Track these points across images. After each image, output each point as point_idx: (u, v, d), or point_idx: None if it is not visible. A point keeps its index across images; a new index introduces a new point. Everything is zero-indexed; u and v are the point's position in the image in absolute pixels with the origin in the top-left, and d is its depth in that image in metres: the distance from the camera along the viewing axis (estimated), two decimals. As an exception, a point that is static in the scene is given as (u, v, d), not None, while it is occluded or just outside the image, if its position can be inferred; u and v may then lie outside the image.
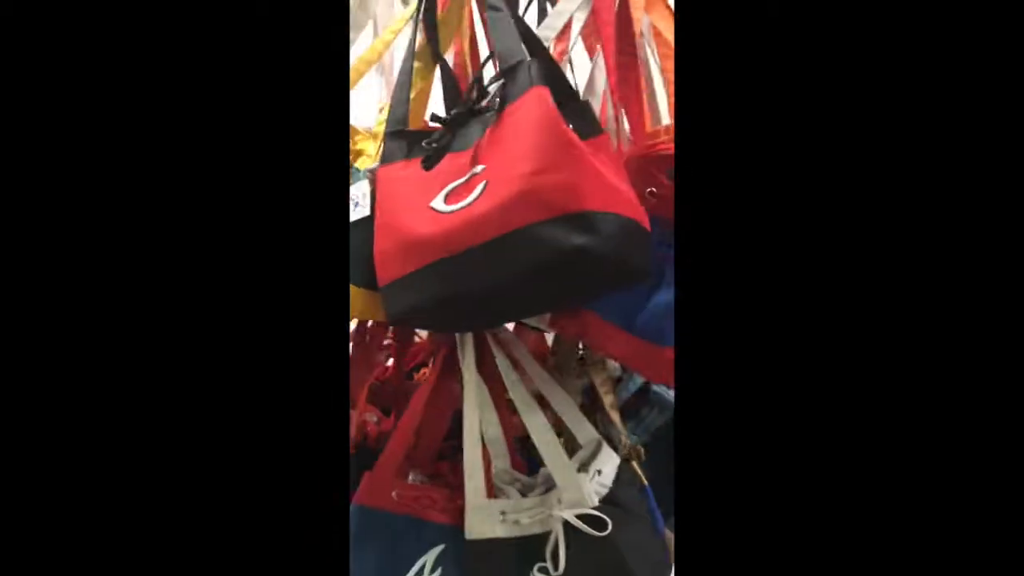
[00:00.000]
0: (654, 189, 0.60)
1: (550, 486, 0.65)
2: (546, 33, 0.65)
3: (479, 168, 0.50)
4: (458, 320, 0.59)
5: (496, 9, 0.56)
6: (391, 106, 0.60)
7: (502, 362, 0.68)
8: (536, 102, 0.49)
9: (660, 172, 0.60)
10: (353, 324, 0.84)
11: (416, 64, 0.62)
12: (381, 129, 0.60)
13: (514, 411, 0.69)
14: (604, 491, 0.66)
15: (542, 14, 0.76)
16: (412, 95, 0.60)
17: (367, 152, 0.62)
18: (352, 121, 0.66)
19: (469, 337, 0.68)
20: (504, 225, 0.47)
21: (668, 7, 0.71)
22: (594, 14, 0.65)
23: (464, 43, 0.67)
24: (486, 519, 0.63)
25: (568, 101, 0.58)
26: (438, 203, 0.51)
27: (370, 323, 0.81)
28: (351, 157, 0.63)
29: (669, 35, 0.68)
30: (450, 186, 0.51)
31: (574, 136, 0.50)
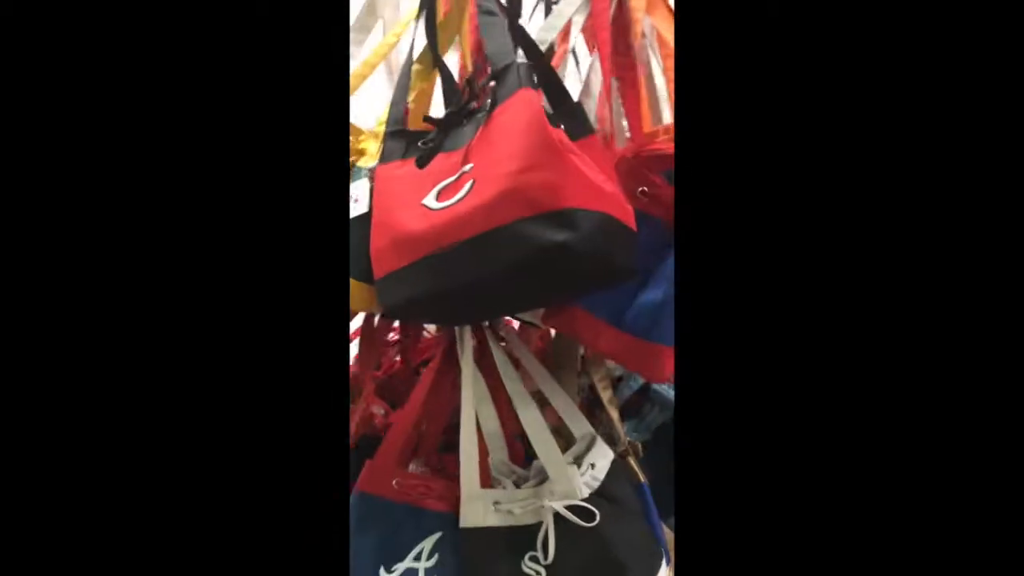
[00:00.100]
0: (645, 188, 0.61)
1: (543, 478, 0.66)
2: (545, 35, 0.66)
3: (468, 167, 0.52)
4: (450, 313, 0.60)
5: (491, 13, 0.57)
6: (390, 107, 0.62)
7: (499, 357, 0.69)
8: (523, 104, 0.50)
9: (652, 172, 0.61)
10: (361, 318, 0.87)
11: (417, 66, 0.64)
12: (381, 129, 0.62)
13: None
14: (596, 484, 0.67)
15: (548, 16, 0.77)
16: (412, 96, 0.62)
17: (369, 151, 0.64)
18: (358, 121, 0.68)
19: (467, 331, 0.70)
20: (489, 221, 0.48)
21: (669, 9, 0.72)
22: (592, 16, 0.66)
23: (466, 46, 0.69)
24: (480, 508, 0.65)
25: (561, 102, 0.59)
26: (430, 200, 0.53)
27: (377, 317, 0.84)
28: (355, 156, 0.65)
29: (670, 36, 0.69)
30: (441, 184, 0.53)
31: (561, 136, 0.52)
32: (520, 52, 0.61)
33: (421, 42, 0.67)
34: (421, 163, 0.56)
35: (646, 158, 0.61)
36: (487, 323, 0.72)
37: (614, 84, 0.69)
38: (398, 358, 0.96)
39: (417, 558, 0.67)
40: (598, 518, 0.62)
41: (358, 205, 0.59)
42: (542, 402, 0.75)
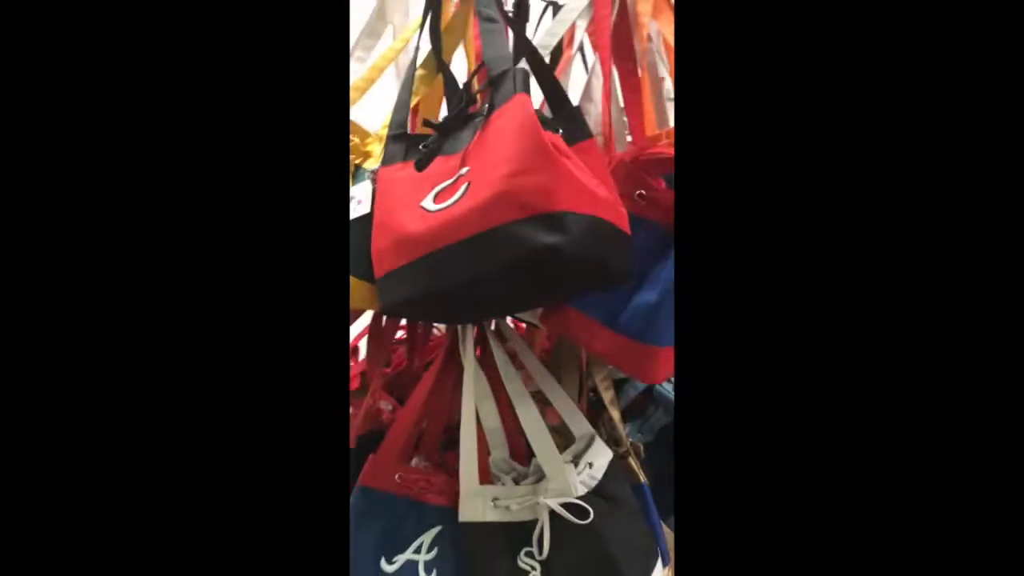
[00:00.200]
0: (643, 192, 0.61)
1: (542, 476, 0.68)
2: (547, 40, 0.67)
3: (464, 170, 0.53)
4: (447, 312, 0.62)
5: (490, 20, 0.59)
6: (393, 111, 0.64)
7: (499, 355, 0.71)
8: (517, 109, 0.52)
9: (650, 175, 0.62)
10: (370, 316, 0.89)
11: (421, 71, 0.66)
12: (385, 132, 0.64)
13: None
14: (593, 483, 0.68)
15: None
16: (415, 101, 0.64)
17: (375, 154, 0.66)
18: (366, 124, 0.70)
19: (470, 329, 0.72)
20: (483, 223, 0.49)
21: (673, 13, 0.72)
22: (594, 22, 0.67)
23: (471, 52, 0.71)
24: (479, 504, 0.67)
25: (560, 107, 0.60)
26: (428, 202, 0.54)
27: (384, 316, 0.85)
28: (361, 158, 0.67)
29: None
30: (439, 187, 0.54)
31: (555, 140, 0.53)
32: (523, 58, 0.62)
33: (426, 47, 0.68)
34: (420, 166, 0.57)
35: (644, 162, 0.62)
36: (491, 322, 0.74)
37: (615, 88, 0.70)
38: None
39: (417, 551, 0.69)
40: (592, 516, 0.63)
41: (361, 206, 0.60)
42: (544, 402, 0.76)
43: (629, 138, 0.73)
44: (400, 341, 0.97)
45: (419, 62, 0.67)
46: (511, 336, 0.74)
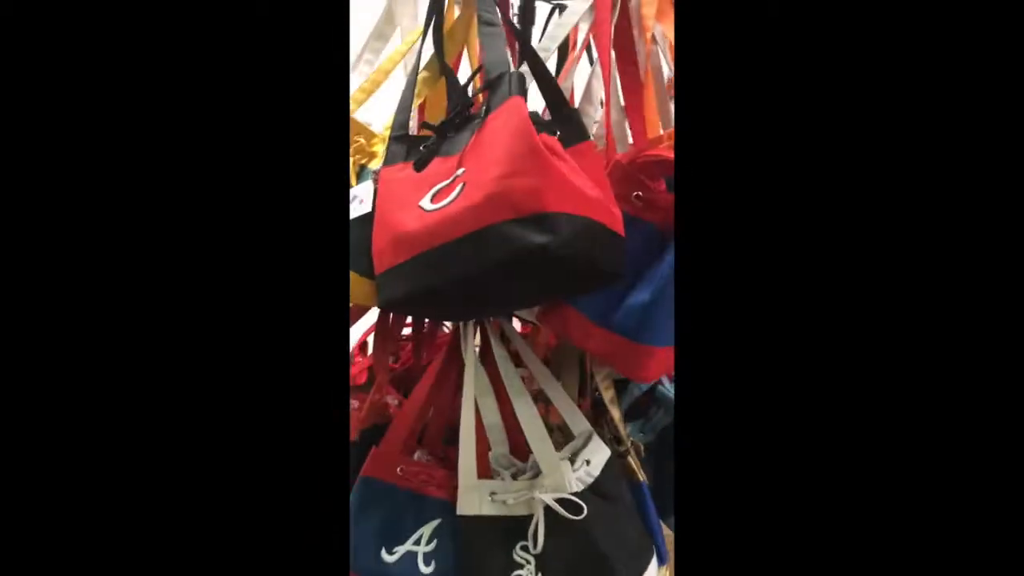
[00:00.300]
0: (640, 193, 0.62)
1: (539, 471, 0.69)
2: (549, 44, 0.68)
3: (461, 171, 0.54)
4: (443, 308, 0.63)
5: (490, 24, 0.60)
6: (396, 112, 0.65)
7: (499, 353, 0.72)
8: (511, 111, 0.53)
9: (648, 177, 0.63)
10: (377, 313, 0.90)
11: (424, 74, 0.67)
12: (387, 133, 0.66)
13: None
14: (590, 480, 0.69)
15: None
16: (418, 103, 0.65)
17: (380, 154, 0.68)
18: (373, 125, 0.72)
19: (471, 325, 0.73)
20: (476, 223, 0.51)
21: (677, 16, 0.73)
22: (595, 25, 0.68)
23: (474, 55, 0.72)
24: (476, 498, 0.68)
25: (558, 109, 0.61)
26: (425, 202, 0.56)
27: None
28: (366, 158, 0.69)
29: (676, 43, 0.70)
30: (437, 187, 0.56)
31: (551, 142, 0.54)
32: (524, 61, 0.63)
33: (430, 50, 0.70)
34: (419, 167, 0.59)
35: (642, 163, 0.62)
36: (491, 320, 0.75)
37: (615, 90, 0.71)
38: (415, 352, 0.99)
39: (417, 542, 0.70)
40: (585, 512, 0.64)
41: (362, 205, 0.62)
42: (547, 401, 0.77)
43: (630, 140, 0.73)
44: (409, 338, 0.99)
45: (423, 65, 0.69)
46: (513, 336, 0.75)
